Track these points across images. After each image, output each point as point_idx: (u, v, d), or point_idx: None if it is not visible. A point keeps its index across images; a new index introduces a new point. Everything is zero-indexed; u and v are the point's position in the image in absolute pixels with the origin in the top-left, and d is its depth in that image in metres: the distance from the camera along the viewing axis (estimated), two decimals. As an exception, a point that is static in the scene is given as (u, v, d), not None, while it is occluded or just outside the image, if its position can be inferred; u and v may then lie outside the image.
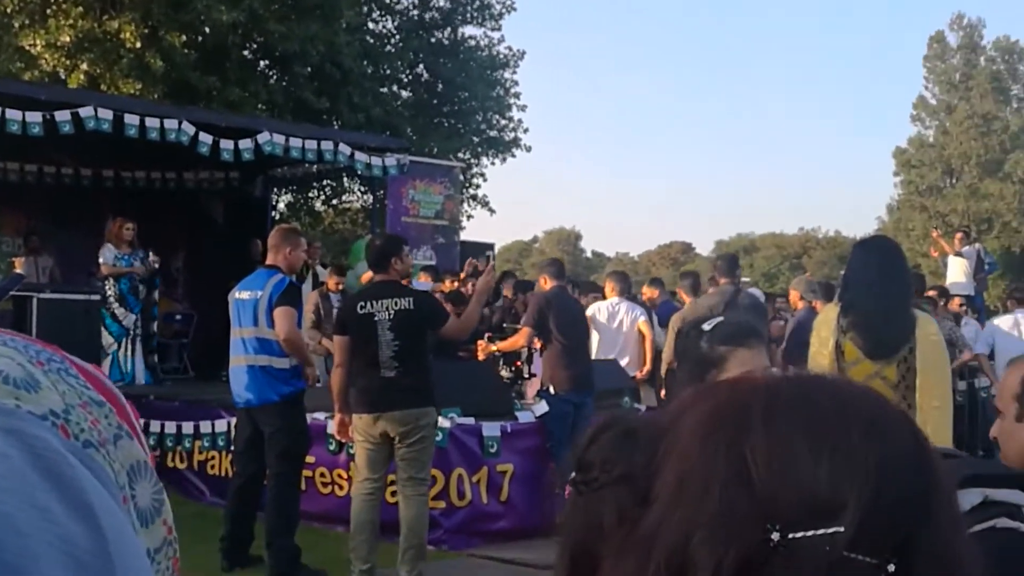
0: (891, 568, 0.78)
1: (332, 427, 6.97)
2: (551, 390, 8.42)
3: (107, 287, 11.30)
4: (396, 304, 6.52)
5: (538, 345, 8.71)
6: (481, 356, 9.46)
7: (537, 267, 9.89)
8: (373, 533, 6.59)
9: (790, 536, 0.77)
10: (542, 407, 8.43)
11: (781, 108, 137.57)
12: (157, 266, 11.72)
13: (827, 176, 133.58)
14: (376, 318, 6.46)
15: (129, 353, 11.36)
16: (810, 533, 0.78)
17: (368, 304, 6.52)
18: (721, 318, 3.05)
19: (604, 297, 10.71)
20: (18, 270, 10.38)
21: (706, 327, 2.97)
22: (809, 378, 0.87)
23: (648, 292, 12.12)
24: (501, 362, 9.44)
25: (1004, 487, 1.71)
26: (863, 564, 0.77)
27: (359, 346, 6.52)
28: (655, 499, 0.85)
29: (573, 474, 1.97)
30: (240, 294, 6.99)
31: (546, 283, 9.08)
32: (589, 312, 10.20)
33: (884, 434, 0.80)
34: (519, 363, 9.28)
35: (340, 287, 11.83)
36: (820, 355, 4.72)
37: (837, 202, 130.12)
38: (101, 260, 11.21)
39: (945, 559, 0.79)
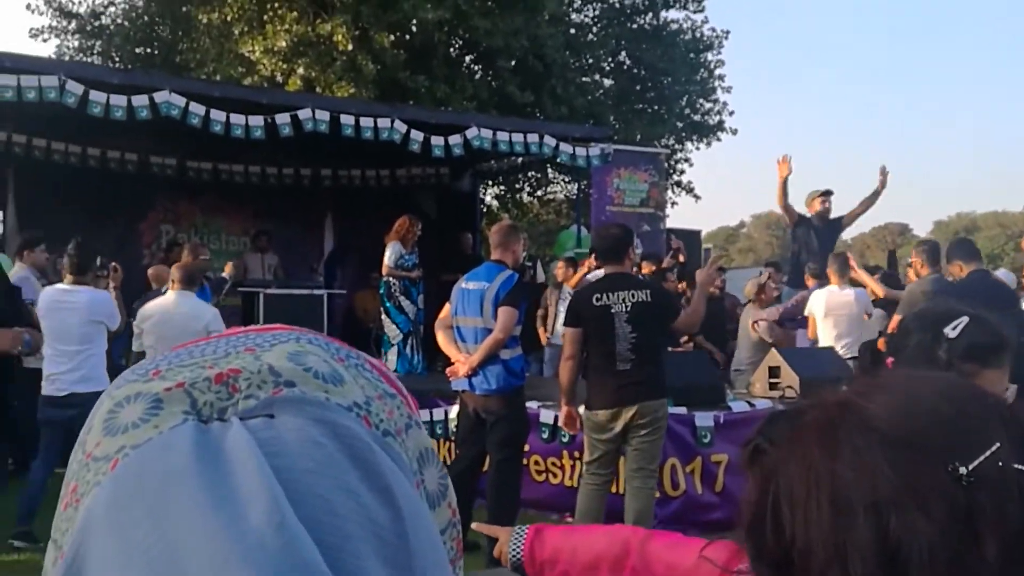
0: None
1: (560, 419, 6.99)
2: None
3: (392, 281, 11.63)
4: (633, 296, 6.50)
5: None
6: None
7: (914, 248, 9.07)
8: (598, 523, 6.65)
9: (971, 465, 0.81)
10: None
11: (1002, 77, 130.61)
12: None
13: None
14: (613, 310, 6.46)
15: (415, 346, 11.79)
16: (985, 454, 0.81)
17: (604, 296, 6.50)
18: (966, 319, 2.46)
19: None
20: (225, 274, 10.91)
21: (950, 333, 2.45)
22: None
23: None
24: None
25: None
26: None
27: (594, 339, 6.51)
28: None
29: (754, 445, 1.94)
30: (467, 284, 7.14)
31: (923, 269, 8.42)
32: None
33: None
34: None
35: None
36: None
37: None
38: (388, 260, 11.48)
39: None
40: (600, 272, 10.66)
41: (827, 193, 11.50)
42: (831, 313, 9.92)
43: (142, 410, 0.56)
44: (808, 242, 11.38)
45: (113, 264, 8.53)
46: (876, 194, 11.28)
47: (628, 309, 6.47)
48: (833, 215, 11.61)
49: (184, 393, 0.57)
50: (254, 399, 0.56)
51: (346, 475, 0.53)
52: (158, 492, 0.51)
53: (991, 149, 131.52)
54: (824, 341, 9.83)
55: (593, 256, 10.54)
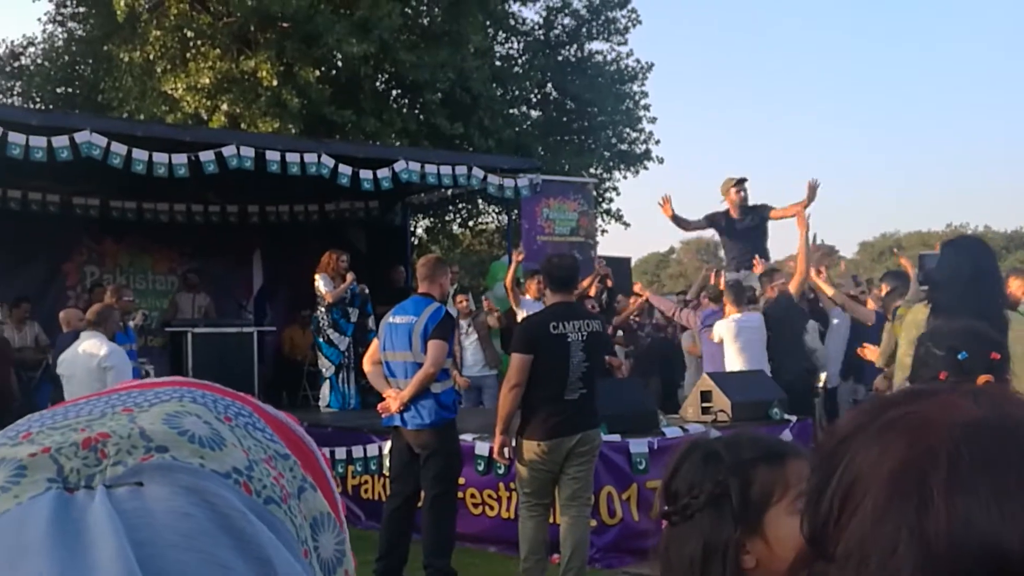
0: None
1: (495, 449, 6.83)
2: None
3: (320, 315, 11.65)
4: (588, 326, 6.54)
5: None
6: None
7: None
8: (546, 553, 6.64)
9: None
10: None
11: (924, 98, 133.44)
12: (367, 291, 12.07)
13: (974, 169, 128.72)
14: (569, 339, 6.44)
15: (346, 379, 11.68)
16: None
17: (560, 325, 6.47)
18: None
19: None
20: (132, 324, 10.79)
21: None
22: (993, 426, 0.79)
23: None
24: None
25: None
26: None
27: (545, 367, 6.44)
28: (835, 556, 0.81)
29: (664, 507, 1.91)
30: (394, 319, 7.09)
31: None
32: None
33: None
34: None
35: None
36: (908, 356, 4.59)
37: (985, 196, 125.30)
38: (323, 289, 11.51)
39: None
40: (530, 300, 10.81)
41: (741, 181, 11.22)
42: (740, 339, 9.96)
43: (4, 478, 0.53)
44: (731, 234, 11.20)
45: None
46: (804, 205, 10.75)
47: (584, 338, 6.48)
48: (755, 203, 11.30)
49: (50, 459, 0.53)
50: (123, 466, 0.53)
51: (217, 547, 0.51)
52: (7, 567, 0.48)
53: (914, 169, 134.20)
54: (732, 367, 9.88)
55: (537, 284, 10.58)
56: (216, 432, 0.57)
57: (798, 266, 10.23)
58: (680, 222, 11.40)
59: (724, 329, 10.01)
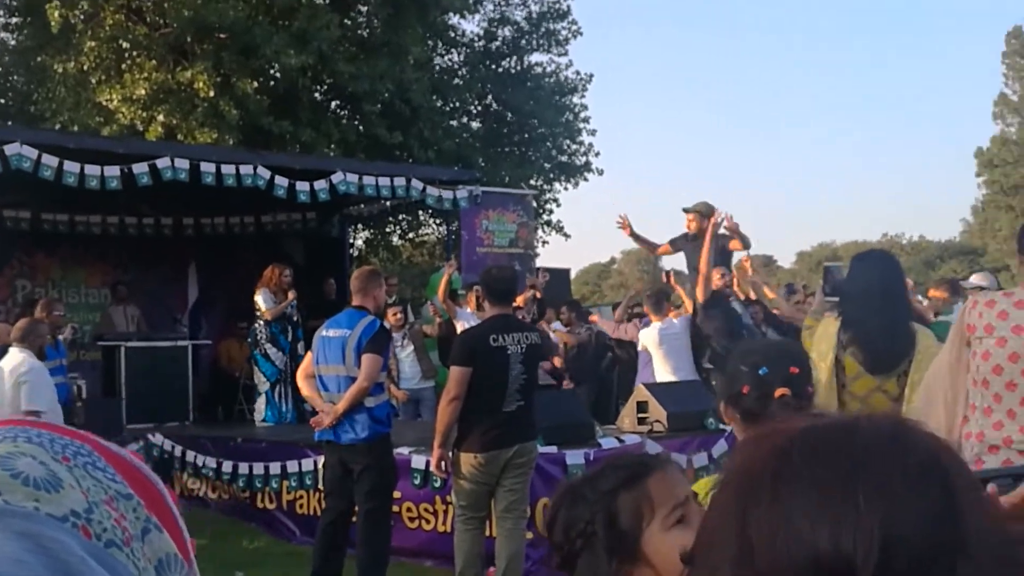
0: None
1: (433, 462, 6.71)
2: None
3: (258, 329, 11.58)
4: (527, 338, 6.55)
5: None
6: None
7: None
8: (482, 566, 6.61)
9: None
10: None
11: (856, 110, 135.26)
12: (296, 319, 11.96)
13: (908, 180, 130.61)
14: (508, 351, 6.43)
15: (283, 393, 11.55)
16: None
17: (500, 337, 6.46)
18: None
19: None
20: (61, 337, 10.58)
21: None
22: (829, 431, 0.82)
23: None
24: None
25: None
26: None
27: (485, 379, 6.41)
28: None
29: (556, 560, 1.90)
30: (328, 332, 7.03)
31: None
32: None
33: (896, 495, 0.75)
34: None
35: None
36: (818, 368, 4.66)
37: (919, 206, 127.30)
38: (263, 305, 11.45)
39: None
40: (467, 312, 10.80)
41: (691, 210, 10.65)
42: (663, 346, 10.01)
43: None
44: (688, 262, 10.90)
45: None
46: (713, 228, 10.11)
47: (523, 351, 6.48)
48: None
49: None
50: None
51: None
52: None
53: (850, 180, 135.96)
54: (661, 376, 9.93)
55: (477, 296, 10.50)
56: (52, 473, 0.55)
57: (701, 268, 10.03)
58: (641, 241, 11.13)
59: (647, 338, 10.10)
